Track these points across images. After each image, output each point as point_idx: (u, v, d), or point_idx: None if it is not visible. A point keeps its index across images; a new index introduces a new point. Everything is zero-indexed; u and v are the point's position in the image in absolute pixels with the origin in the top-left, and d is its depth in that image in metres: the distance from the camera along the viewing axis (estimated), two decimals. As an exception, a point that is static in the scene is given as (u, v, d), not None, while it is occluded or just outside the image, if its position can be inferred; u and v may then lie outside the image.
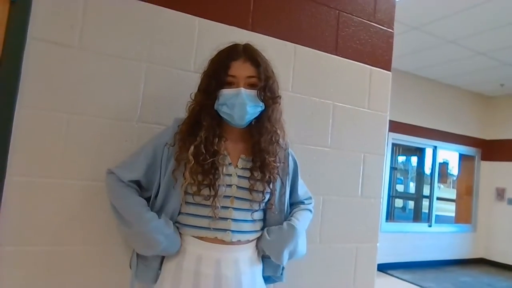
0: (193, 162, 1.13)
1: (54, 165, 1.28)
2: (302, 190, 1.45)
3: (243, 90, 1.15)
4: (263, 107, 1.20)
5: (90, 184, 1.33)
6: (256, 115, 1.21)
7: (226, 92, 1.16)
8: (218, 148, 1.17)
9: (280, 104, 1.26)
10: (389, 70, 1.99)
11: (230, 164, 1.22)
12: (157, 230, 1.14)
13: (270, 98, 1.20)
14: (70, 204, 1.30)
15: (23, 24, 1.24)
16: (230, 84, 1.17)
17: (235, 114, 1.16)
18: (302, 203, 1.43)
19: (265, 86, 1.19)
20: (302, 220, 1.34)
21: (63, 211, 1.29)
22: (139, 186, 1.24)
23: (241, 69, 1.17)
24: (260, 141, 1.21)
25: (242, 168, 1.23)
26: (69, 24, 1.31)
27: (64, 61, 1.30)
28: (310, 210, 1.43)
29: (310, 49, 1.77)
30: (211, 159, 1.14)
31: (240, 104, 1.15)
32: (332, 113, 1.81)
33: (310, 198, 1.48)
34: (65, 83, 1.30)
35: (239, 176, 1.21)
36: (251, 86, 1.18)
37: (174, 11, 1.48)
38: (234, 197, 1.20)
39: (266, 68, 1.21)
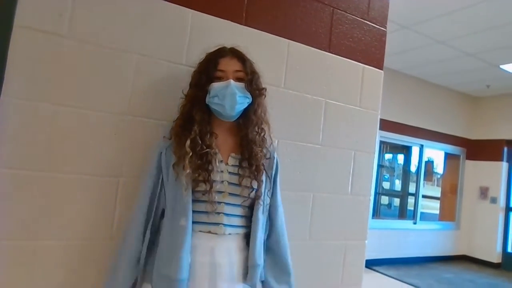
0: (191, 153, 1.18)
1: (39, 157, 1.25)
2: (279, 199, 1.43)
3: (232, 81, 1.24)
4: (250, 98, 1.28)
5: (76, 177, 1.30)
6: (245, 106, 1.28)
7: (216, 85, 1.24)
8: (210, 143, 1.23)
9: (265, 97, 1.34)
10: (381, 69, 1.99)
11: (221, 161, 1.26)
12: None
13: (256, 90, 1.29)
14: (55, 197, 1.27)
15: (9, 12, 1.20)
16: (219, 78, 1.25)
17: (226, 104, 1.22)
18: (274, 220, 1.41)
19: (251, 79, 1.28)
20: None
21: (47, 204, 1.26)
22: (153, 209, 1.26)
23: (229, 64, 1.27)
24: (248, 133, 1.29)
25: (232, 165, 1.28)
26: (58, 12, 1.27)
27: (52, 50, 1.26)
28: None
29: (304, 45, 1.75)
30: (207, 150, 1.21)
31: (230, 94, 1.22)
32: (324, 110, 1.80)
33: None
34: (53, 73, 1.26)
35: (230, 173, 1.27)
36: (238, 79, 1.26)
37: (167, 2, 1.45)
38: (227, 192, 1.25)
39: (251, 65, 1.31)
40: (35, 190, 1.24)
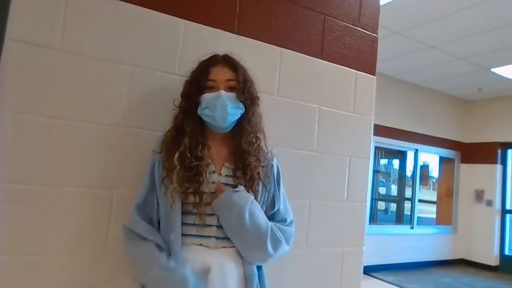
0: (179, 167, 1.15)
1: (32, 170, 1.23)
2: (285, 206, 1.39)
3: (223, 92, 1.20)
4: (243, 108, 1.25)
5: (70, 190, 1.29)
6: (237, 116, 1.25)
7: (207, 96, 1.21)
8: (202, 155, 1.20)
9: (259, 106, 1.30)
10: (374, 74, 2.00)
11: (214, 172, 1.24)
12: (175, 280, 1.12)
13: (249, 99, 1.25)
14: (49, 211, 1.25)
15: (1, 25, 1.20)
16: (210, 89, 1.22)
17: (217, 116, 1.20)
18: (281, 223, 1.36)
19: (244, 88, 1.24)
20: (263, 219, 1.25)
21: (41, 218, 1.24)
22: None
23: (220, 73, 1.23)
24: (241, 142, 1.25)
25: (226, 176, 1.25)
26: (50, 24, 1.27)
27: (45, 63, 1.26)
28: (285, 239, 1.29)
29: (296, 53, 1.76)
30: (196, 163, 1.17)
31: (221, 105, 1.19)
32: (318, 117, 1.81)
33: (290, 223, 1.37)
34: (46, 86, 1.26)
35: (223, 184, 1.23)
36: (230, 89, 1.23)
37: (159, 13, 1.45)
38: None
39: (244, 73, 1.27)
40: (29, 204, 1.23)
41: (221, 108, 1.19)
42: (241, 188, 1.22)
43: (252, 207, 1.20)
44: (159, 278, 1.12)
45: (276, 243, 1.24)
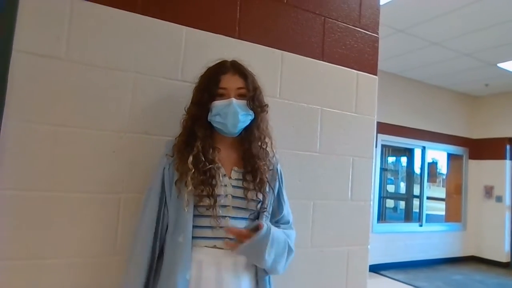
0: (193, 170, 1.19)
1: (42, 177, 1.27)
2: (287, 208, 1.43)
3: (234, 100, 1.24)
4: (253, 116, 1.28)
5: (78, 196, 1.32)
6: (247, 123, 1.29)
7: (218, 104, 1.24)
8: (213, 158, 1.24)
9: (267, 113, 1.34)
10: (375, 74, 2.01)
11: (224, 175, 1.27)
12: None
13: (259, 107, 1.30)
14: (57, 216, 1.29)
15: (8, 37, 1.24)
16: (221, 96, 1.25)
17: (229, 123, 1.23)
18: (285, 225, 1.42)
19: (254, 96, 1.28)
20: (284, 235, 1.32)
21: (50, 223, 1.28)
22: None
23: (230, 81, 1.26)
24: (251, 147, 1.29)
25: (236, 179, 1.28)
26: (55, 35, 1.30)
27: (51, 73, 1.29)
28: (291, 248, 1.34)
29: (297, 55, 1.78)
30: (210, 166, 1.21)
31: (232, 113, 1.22)
32: (320, 118, 1.83)
33: (290, 225, 1.43)
34: (52, 95, 1.30)
35: (233, 186, 1.27)
36: (240, 96, 1.26)
37: (161, 20, 1.48)
38: (231, 206, 1.25)
39: (253, 80, 1.31)
40: (38, 210, 1.26)
41: (233, 115, 1.22)
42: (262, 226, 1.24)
43: (273, 236, 1.24)
44: None
45: (290, 254, 1.32)
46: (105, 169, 1.37)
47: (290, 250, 1.32)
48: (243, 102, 1.25)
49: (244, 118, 1.25)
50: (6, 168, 1.22)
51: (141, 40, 1.45)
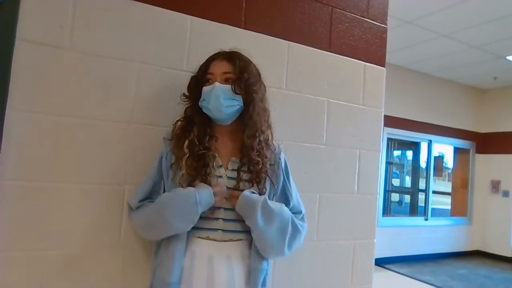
0: (188, 154, 1.20)
1: (44, 168, 1.26)
2: (297, 198, 1.40)
3: (217, 84, 1.23)
4: (241, 101, 1.25)
5: (82, 187, 1.31)
6: (234, 108, 1.25)
7: (205, 89, 1.25)
8: (209, 145, 1.24)
9: (262, 101, 1.30)
10: (383, 66, 1.98)
11: (220, 166, 1.26)
12: (180, 192, 1.19)
13: (244, 90, 1.24)
14: (61, 207, 1.28)
15: (11, 26, 1.22)
16: (208, 81, 1.26)
17: (211, 106, 1.22)
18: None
19: (240, 80, 1.23)
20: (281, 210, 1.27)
21: (54, 214, 1.27)
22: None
23: (217, 67, 1.26)
24: (243, 137, 1.27)
25: (232, 170, 1.27)
26: (59, 24, 1.29)
27: (54, 62, 1.28)
28: (299, 230, 1.32)
29: (304, 46, 1.75)
30: (203, 151, 1.21)
31: (215, 96, 1.21)
32: (327, 110, 1.80)
33: (302, 217, 1.39)
34: (56, 85, 1.28)
35: (229, 178, 1.26)
36: (226, 81, 1.24)
37: (165, 9, 1.46)
38: (224, 197, 1.23)
39: (244, 66, 1.26)
40: (41, 201, 1.26)
41: (215, 99, 1.21)
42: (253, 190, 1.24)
43: (269, 202, 1.23)
44: (166, 203, 1.18)
45: (296, 234, 1.29)
46: (109, 160, 1.36)
47: (296, 229, 1.29)
48: (227, 86, 1.23)
49: (228, 102, 1.22)
50: (10, 158, 1.21)
51: (146, 29, 1.43)
